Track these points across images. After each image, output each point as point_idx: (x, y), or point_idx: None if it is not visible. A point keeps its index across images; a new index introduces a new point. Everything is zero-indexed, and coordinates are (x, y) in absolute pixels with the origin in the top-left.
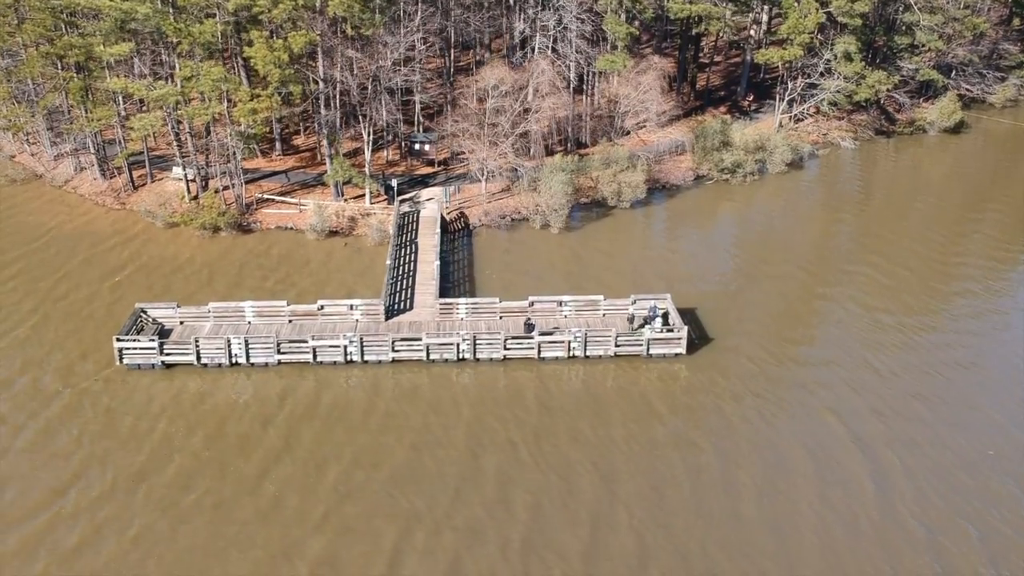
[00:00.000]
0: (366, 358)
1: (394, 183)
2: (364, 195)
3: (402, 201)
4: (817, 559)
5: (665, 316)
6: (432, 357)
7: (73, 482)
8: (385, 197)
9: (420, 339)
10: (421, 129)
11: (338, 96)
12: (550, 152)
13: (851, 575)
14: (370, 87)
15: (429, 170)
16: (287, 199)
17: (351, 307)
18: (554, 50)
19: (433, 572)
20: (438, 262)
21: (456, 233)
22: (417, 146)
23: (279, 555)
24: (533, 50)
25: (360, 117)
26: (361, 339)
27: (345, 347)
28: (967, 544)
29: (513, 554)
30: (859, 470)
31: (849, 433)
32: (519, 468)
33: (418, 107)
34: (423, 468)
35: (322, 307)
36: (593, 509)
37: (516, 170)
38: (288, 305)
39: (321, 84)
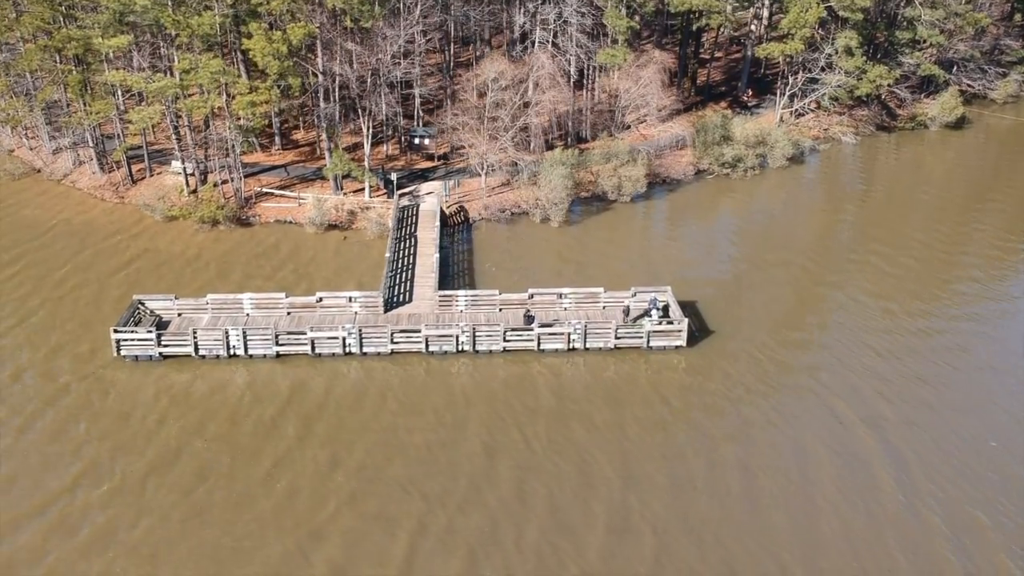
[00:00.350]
0: (365, 350)
1: (393, 177)
2: (363, 189)
3: (401, 195)
4: (832, 548)
5: (665, 309)
6: (431, 349)
7: (78, 473)
8: (384, 191)
9: (419, 331)
10: (421, 123)
11: (337, 89)
12: (550, 146)
13: (867, 564)
14: (369, 80)
15: (429, 164)
16: (286, 193)
17: (350, 299)
18: (554, 44)
19: (448, 563)
20: (438, 255)
21: (456, 227)
22: (417, 140)
23: (278, 541)
24: (533, 44)
25: (359, 110)
26: (360, 331)
27: (344, 339)
28: (980, 532)
29: (527, 547)
30: (870, 458)
31: (858, 421)
32: (529, 459)
33: (418, 101)
34: (433, 459)
35: (321, 299)
36: (606, 500)
37: (516, 164)
38: (287, 297)
39: (320, 77)
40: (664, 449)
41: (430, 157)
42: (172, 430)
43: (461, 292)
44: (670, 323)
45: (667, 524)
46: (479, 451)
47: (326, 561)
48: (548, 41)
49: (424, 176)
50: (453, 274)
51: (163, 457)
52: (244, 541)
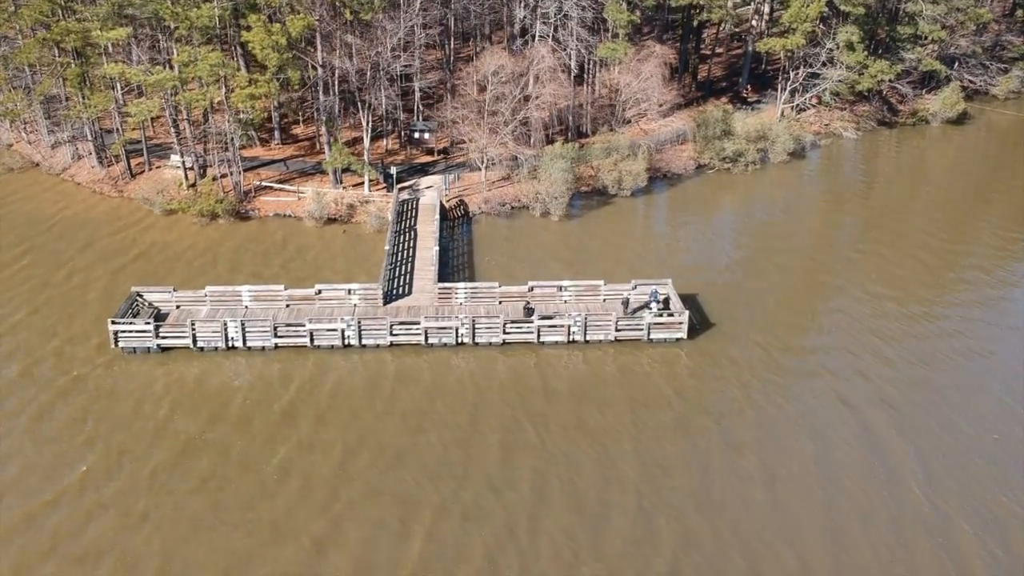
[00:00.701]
0: (364, 342)
1: (393, 171)
2: (363, 183)
3: (401, 189)
4: (830, 541)
5: (666, 301)
6: (431, 341)
7: (84, 471)
8: (384, 185)
9: (418, 323)
10: (420, 118)
11: (337, 82)
12: (550, 141)
13: (865, 558)
14: (369, 74)
15: (429, 159)
16: (285, 187)
17: (349, 291)
18: (555, 39)
19: (466, 556)
20: (437, 248)
21: (456, 220)
22: (416, 135)
23: (289, 536)
24: (533, 38)
25: (359, 104)
26: (359, 323)
27: (343, 331)
28: (982, 527)
29: (522, 533)
30: (869, 453)
31: (858, 417)
32: (527, 450)
33: (417, 95)
34: (445, 452)
35: (320, 291)
36: (602, 491)
37: (516, 158)
38: (286, 289)
39: (320, 70)
40: (663, 441)
41: (430, 151)
42: (178, 425)
43: (461, 284)
44: (670, 315)
45: (683, 513)
46: (492, 445)
47: (342, 559)
48: (548, 35)
49: (424, 170)
50: (453, 267)
51: (170, 453)
52: (257, 537)
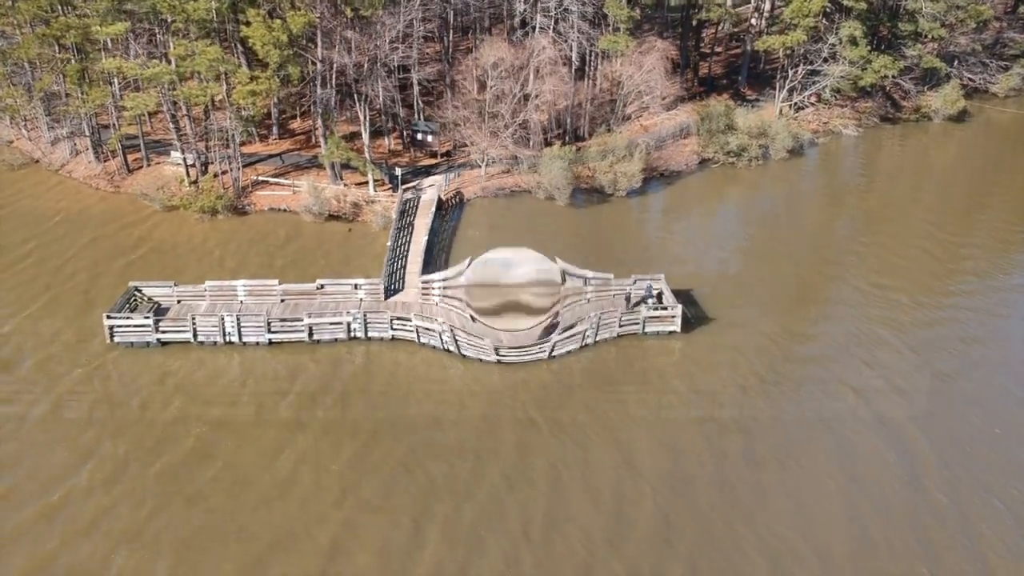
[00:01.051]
0: (369, 335)
1: (398, 172)
2: (367, 183)
3: (405, 189)
4: (845, 533)
5: (660, 296)
6: (422, 340)
7: (84, 459)
8: (390, 186)
9: (411, 320)
10: (421, 116)
11: (334, 75)
12: (548, 144)
13: (880, 549)
14: (367, 66)
15: (432, 161)
16: (280, 181)
17: (355, 286)
18: (555, 31)
19: (454, 546)
20: (426, 238)
21: (449, 209)
22: (420, 136)
23: (303, 535)
24: (534, 30)
25: (356, 96)
26: (364, 316)
27: (348, 324)
28: (995, 517)
29: (535, 530)
30: (880, 443)
31: (867, 408)
32: (538, 442)
33: (416, 89)
34: (460, 451)
35: (322, 286)
36: (616, 486)
37: (516, 157)
38: (279, 284)
39: (319, 65)
40: (683, 432)
41: (433, 154)
42: (186, 422)
43: (437, 275)
44: (664, 309)
45: (697, 507)
46: (504, 442)
47: (358, 558)
48: (549, 27)
49: (428, 172)
50: (436, 252)
51: (179, 451)
52: (269, 537)
